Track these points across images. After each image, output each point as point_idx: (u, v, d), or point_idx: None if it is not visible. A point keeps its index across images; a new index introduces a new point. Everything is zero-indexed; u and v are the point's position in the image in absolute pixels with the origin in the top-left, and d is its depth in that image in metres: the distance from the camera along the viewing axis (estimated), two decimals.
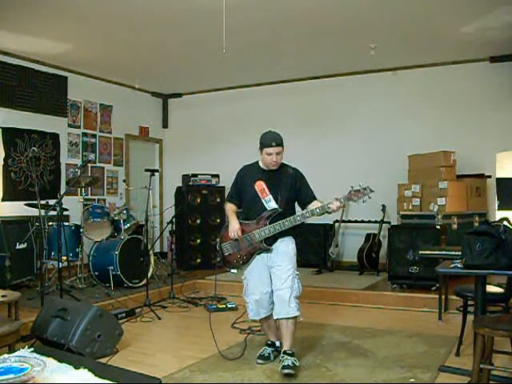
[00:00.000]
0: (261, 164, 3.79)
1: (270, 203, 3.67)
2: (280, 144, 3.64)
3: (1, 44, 6.38)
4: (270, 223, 3.63)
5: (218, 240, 3.91)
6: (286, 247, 3.69)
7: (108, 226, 6.26)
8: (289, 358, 3.51)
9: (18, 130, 6.83)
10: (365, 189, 3.49)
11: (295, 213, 3.72)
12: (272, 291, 3.66)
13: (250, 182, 3.76)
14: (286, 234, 3.69)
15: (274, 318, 3.66)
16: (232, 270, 3.87)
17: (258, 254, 3.71)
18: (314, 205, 3.67)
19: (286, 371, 3.42)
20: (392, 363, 3.70)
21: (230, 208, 3.86)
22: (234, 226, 3.74)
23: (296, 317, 3.59)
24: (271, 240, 3.67)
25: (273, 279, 3.65)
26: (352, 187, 3.51)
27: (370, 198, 3.50)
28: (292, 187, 3.70)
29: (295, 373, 3.45)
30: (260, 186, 3.72)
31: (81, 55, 6.89)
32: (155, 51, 6.79)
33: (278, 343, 3.93)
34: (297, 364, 3.51)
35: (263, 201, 3.69)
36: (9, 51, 6.65)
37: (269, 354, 3.85)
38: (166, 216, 8.41)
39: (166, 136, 9.56)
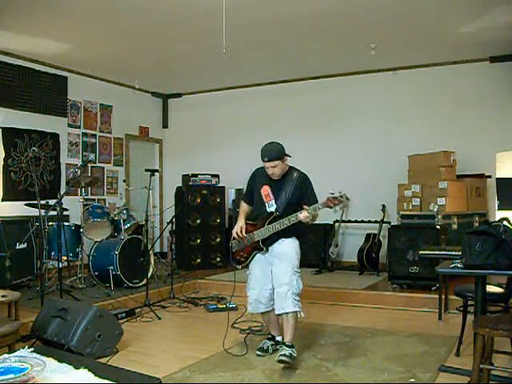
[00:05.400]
0: None
1: (272, 208, 3.86)
2: (272, 159, 3.72)
3: (1, 44, 6.37)
4: (267, 225, 3.80)
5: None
6: (287, 247, 3.83)
7: (108, 225, 6.26)
8: (287, 348, 3.62)
9: (17, 130, 6.83)
10: (341, 196, 3.49)
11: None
12: (272, 288, 3.81)
13: (259, 185, 3.95)
14: (288, 235, 3.81)
15: (276, 313, 3.80)
16: (237, 266, 4.06)
17: (256, 252, 3.91)
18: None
19: (281, 358, 3.53)
20: (392, 363, 3.70)
21: (242, 207, 4.13)
22: (236, 226, 3.99)
23: (295, 312, 3.69)
24: (272, 240, 3.83)
25: (273, 276, 3.80)
26: (332, 194, 3.51)
27: (346, 206, 3.57)
28: (294, 192, 3.81)
29: (290, 362, 3.54)
30: (265, 190, 3.89)
31: (81, 55, 6.89)
32: (155, 51, 6.79)
33: (278, 338, 4.06)
34: (294, 355, 3.61)
35: (266, 205, 3.88)
36: (9, 51, 6.64)
37: (268, 347, 3.99)
38: (165, 216, 8.41)
39: (165, 136, 9.56)
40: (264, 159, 3.76)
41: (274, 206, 3.83)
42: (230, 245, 4.10)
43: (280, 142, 3.85)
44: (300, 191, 3.82)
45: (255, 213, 3.99)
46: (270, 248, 3.86)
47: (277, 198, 3.84)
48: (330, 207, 3.52)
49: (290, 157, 3.83)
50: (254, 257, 3.92)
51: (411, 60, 7.26)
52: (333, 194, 3.51)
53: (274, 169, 3.77)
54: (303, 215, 3.59)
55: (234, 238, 4.00)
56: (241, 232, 3.93)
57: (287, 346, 3.67)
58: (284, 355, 3.56)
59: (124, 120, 8.57)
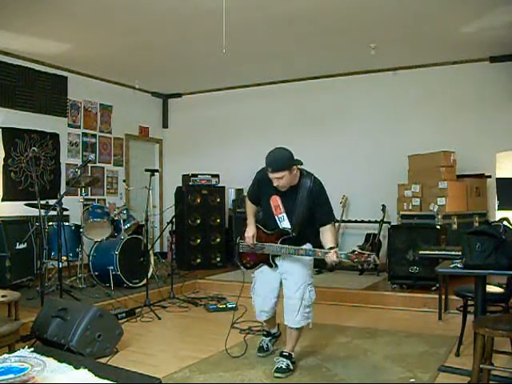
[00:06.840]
0: None
1: (284, 222, 3.54)
2: (279, 169, 3.30)
3: (1, 44, 6.37)
4: (281, 243, 3.54)
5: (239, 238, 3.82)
6: (299, 259, 3.59)
7: (108, 225, 6.26)
8: (284, 360, 3.54)
9: (17, 130, 6.83)
10: (369, 255, 3.29)
11: (313, 229, 3.63)
12: (277, 296, 3.71)
13: (267, 193, 3.56)
14: (302, 242, 3.58)
15: (285, 323, 3.64)
16: (242, 268, 3.84)
17: (264, 265, 3.69)
18: (324, 236, 3.53)
19: (277, 375, 3.46)
20: (392, 363, 3.70)
21: (249, 207, 3.76)
22: (248, 233, 3.66)
23: (302, 327, 3.62)
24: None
25: (284, 287, 3.63)
26: (358, 247, 3.46)
27: (370, 266, 3.39)
28: (309, 208, 3.48)
29: (287, 377, 3.47)
30: (275, 201, 3.53)
31: (81, 55, 6.89)
32: (155, 51, 6.79)
33: (273, 330, 4.04)
34: (291, 367, 3.53)
35: (276, 218, 3.55)
36: (9, 51, 6.64)
37: (267, 344, 3.97)
38: (166, 216, 8.41)
39: (166, 136, 9.56)
40: (268, 169, 3.33)
41: (287, 222, 3.51)
42: (237, 242, 3.77)
43: (281, 143, 3.60)
44: (315, 206, 3.47)
45: (267, 222, 3.65)
46: (280, 262, 3.61)
47: (289, 212, 3.49)
48: (354, 262, 3.30)
49: (301, 164, 3.44)
50: (260, 266, 3.71)
51: (411, 60, 7.26)
52: (359, 246, 3.42)
53: (280, 180, 3.34)
54: (332, 259, 3.31)
55: (244, 240, 3.70)
56: (253, 238, 3.63)
57: (284, 356, 3.56)
58: (280, 369, 3.47)
59: (124, 120, 8.57)
